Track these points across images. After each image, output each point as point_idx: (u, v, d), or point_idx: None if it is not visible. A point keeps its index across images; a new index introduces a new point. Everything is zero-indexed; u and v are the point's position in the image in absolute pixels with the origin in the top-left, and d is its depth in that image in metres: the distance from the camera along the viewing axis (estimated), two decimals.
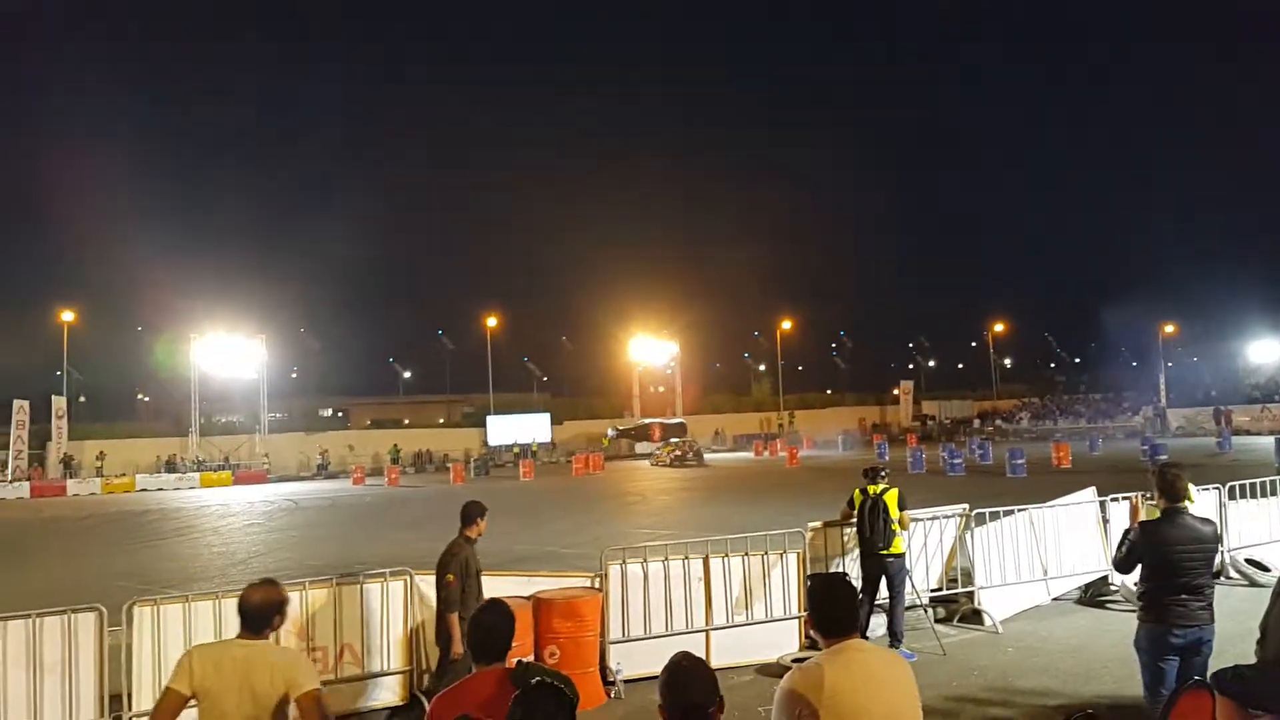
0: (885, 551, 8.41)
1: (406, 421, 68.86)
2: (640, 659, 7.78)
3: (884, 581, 8.53)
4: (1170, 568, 5.01)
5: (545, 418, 61.83)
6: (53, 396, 50.54)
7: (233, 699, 3.47)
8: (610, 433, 60.31)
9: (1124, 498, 10.38)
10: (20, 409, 48.53)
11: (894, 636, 8.33)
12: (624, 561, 8.14)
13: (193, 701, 3.50)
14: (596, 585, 8.03)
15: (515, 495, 29.65)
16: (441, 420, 70.01)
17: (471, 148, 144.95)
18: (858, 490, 8.64)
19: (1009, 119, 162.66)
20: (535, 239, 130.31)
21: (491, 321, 65.63)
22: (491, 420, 60.35)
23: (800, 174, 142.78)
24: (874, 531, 8.37)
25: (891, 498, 8.50)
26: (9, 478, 45.99)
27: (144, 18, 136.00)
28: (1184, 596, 5.00)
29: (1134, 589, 6.00)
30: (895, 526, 8.47)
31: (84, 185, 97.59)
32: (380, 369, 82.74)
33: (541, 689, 2.60)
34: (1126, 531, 5.36)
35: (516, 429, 59.32)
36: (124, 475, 47.74)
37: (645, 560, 8.22)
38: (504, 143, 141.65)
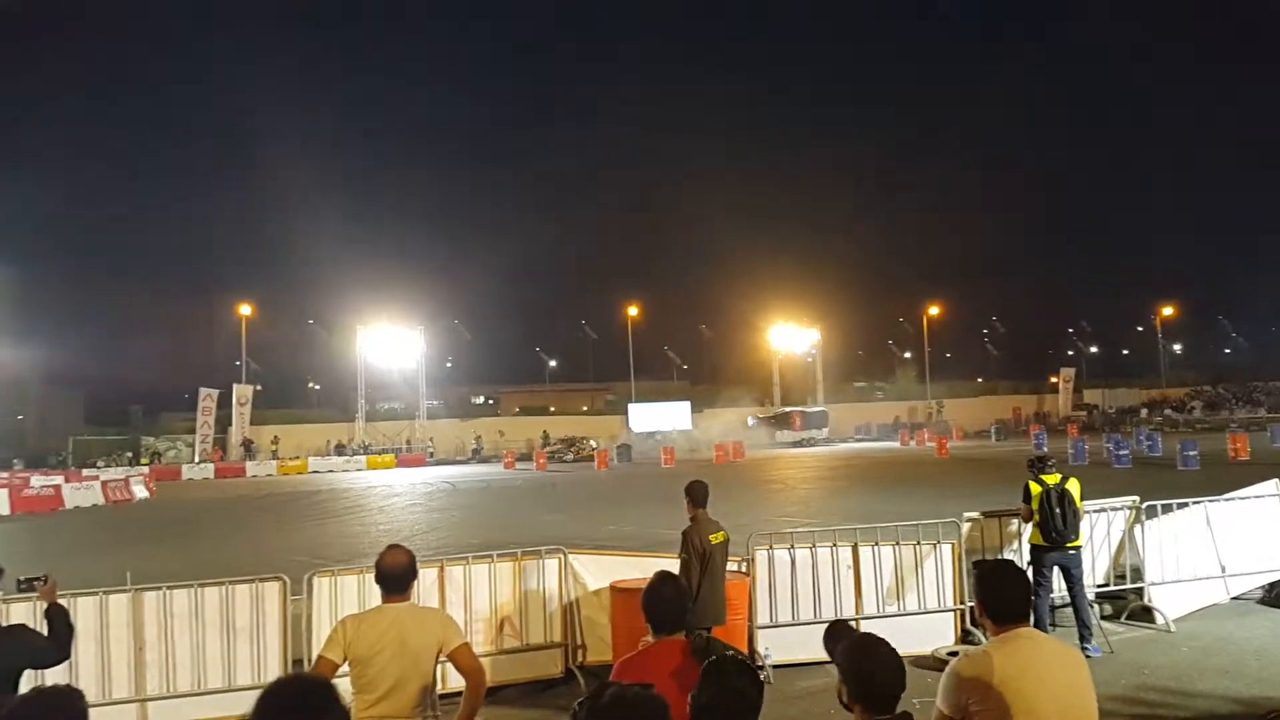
0: (1072, 544, 8.08)
1: (552, 409, 70.69)
2: (788, 645, 7.80)
3: (1059, 576, 8.20)
4: None
5: (685, 405, 62.15)
6: (234, 385, 54.73)
7: (388, 658, 3.64)
8: (750, 421, 60.01)
9: None
10: (207, 397, 52.93)
11: (1087, 629, 7.98)
12: (771, 547, 8.14)
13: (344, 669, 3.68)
14: (744, 570, 8.04)
15: (659, 481, 29.97)
16: (585, 408, 71.54)
17: (614, 145, 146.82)
18: (1032, 483, 8.19)
19: (1184, 89, 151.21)
20: (675, 228, 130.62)
21: (633, 311, 66.59)
22: (633, 408, 61.25)
23: (948, 152, 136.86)
24: (1066, 524, 7.97)
25: (1075, 486, 8.15)
26: (196, 460, 50.24)
27: (315, 24, 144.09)
28: None
29: None
30: None
31: (261, 189, 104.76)
32: (527, 358, 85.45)
33: (735, 662, 2.61)
34: None
35: (657, 417, 59.99)
36: (297, 458, 51.30)
37: (792, 546, 8.19)
38: (647, 136, 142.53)
